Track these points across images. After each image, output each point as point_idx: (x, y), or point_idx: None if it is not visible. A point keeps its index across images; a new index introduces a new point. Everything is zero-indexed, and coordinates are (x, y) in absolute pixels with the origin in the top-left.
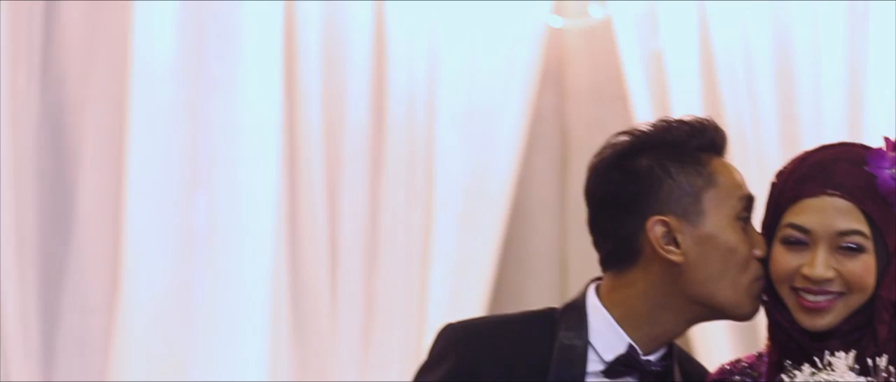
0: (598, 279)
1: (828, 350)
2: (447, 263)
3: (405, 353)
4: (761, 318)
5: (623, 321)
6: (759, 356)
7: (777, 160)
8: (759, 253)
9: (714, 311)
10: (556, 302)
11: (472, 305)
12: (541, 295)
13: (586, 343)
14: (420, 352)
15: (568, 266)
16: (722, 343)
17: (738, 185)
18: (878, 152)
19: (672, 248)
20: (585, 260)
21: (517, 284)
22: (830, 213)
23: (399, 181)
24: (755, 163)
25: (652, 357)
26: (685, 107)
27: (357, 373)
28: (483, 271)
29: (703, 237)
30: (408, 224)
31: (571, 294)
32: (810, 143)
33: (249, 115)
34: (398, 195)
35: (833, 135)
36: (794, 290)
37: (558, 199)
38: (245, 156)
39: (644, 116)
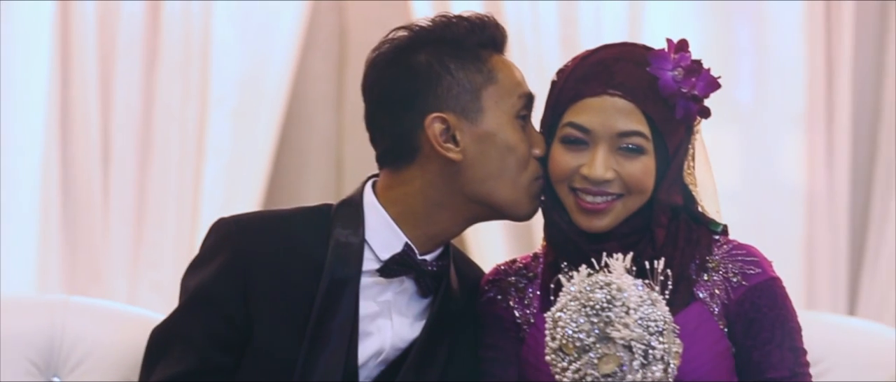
0: (375, 176)
1: (605, 252)
2: (222, 159)
3: (178, 250)
4: (536, 219)
5: (400, 219)
6: (535, 257)
7: (556, 63)
8: (538, 152)
9: (492, 211)
10: (331, 200)
11: (247, 202)
12: (316, 193)
13: (362, 241)
14: (193, 249)
15: (343, 163)
16: (497, 244)
17: (518, 83)
18: (660, 53)
19: (450, 146)
20: (361, 158)
21: (292, 181)
22: (611, 113)
23: (174, 75)
24: (534, 66)
25: (428, 257)
26: (465, 8)
27: (128, 270)
28: (258, 167)
29: (482, 135)
30: (182, 119)
31: (347, 191)
32: (590, 46)
33: (21, 4)
34: (173, 89)
35: (612, 38)
36: (573, 190)
37: (335, 96)
38: (15, 46)
39: (423, 15)
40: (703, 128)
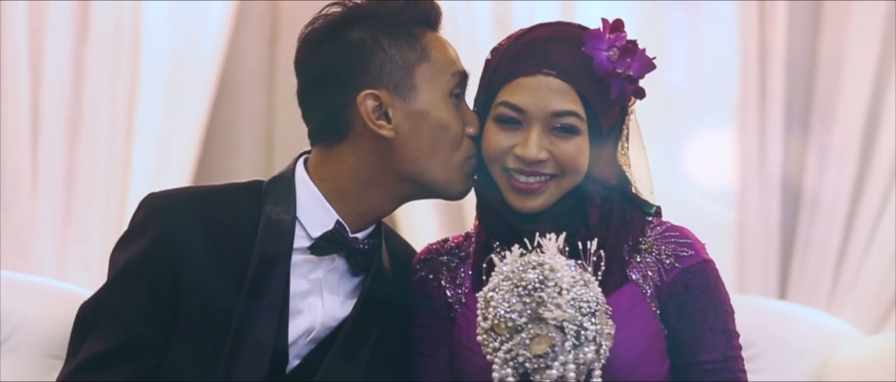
0: (307, 153)
1: (538, 232)
2: (152, 135)
3: (107, 226)
4: (468, 198)
5: (331, 196)
6: (467, 236)
7: (489, 42)
8: (471, 130)
9: (424, 189)
10: (262, 177)
11: (177, 178)
12: (246, 169)
13: (294, 219)
14: (122, 225)
15: (274, 140)
16: (427, 223)
17: (452, 61)
18: (595, 33)
19: (383, 123)
20: (292, 135)
21: (223, 157)
22: (545, 93)
23: (104, 50)
24: (467, 45)
25: (360, 235)
26: None
27: (57, 245)
28: (188, 143)
29: (415, 112)
30: (112, 94)
31: (278, 168)
32: (523, 26)
33: None
34: (103, 65)
35: (546, 19)
36: (506, 170)
37: (266, 72)
38: None
39: None
40: (636, 111)
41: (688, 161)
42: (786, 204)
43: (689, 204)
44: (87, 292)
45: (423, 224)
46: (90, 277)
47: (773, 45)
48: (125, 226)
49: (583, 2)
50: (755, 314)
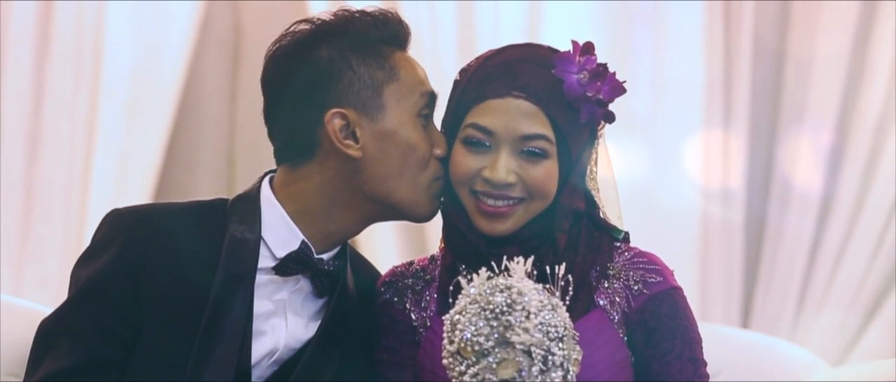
0: (273, 171)
1: (506, 255)
2: (112, 153)
3: (65, 245)
4: (431, 222)
5: (297, 216)
6: (433, 259)
7: (454, 64)
8: (439, 152)
9: (391, 210)
10: (223, 195)
11: (137, 196)
12: (207, 188)
13: (258, 238)
14: (80, 244)
15: (235, 158)
16: (388, 245)
17: (421, 81)
18: (565, 56)
19: (350, 142)
20: (254, 154)
21: (183, 176)
22: (515, 116)
23: (65, 66)
24: (432, 67)
25: (325, 256)
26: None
27: (14, 263)
28: (149, 162)
29: (383, 132)
30: (73, 111)
31: (239, 187)
32: (487, 49)
33: None
34: (64, 81)
35: (510, 42)
36: (474, 193)
37: (228, 90)
38: None
39: (318, 11)
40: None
41: (649, 186)
42: (749, 232)
43: (652, 229)
44: (46, 310)
45: (384, 246)
46: (48, 296)
47: (738, 63)
48: (84, 245)
49: (547, 27)
50: (720, 343)
